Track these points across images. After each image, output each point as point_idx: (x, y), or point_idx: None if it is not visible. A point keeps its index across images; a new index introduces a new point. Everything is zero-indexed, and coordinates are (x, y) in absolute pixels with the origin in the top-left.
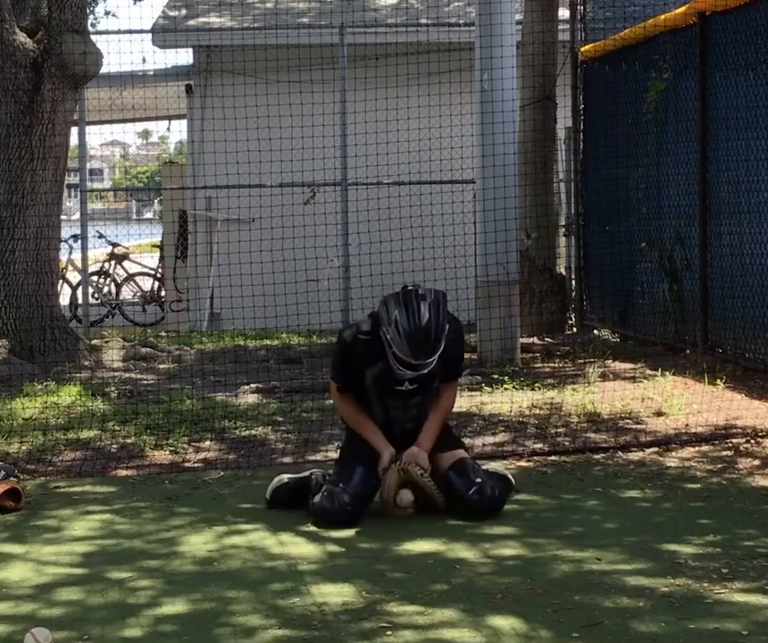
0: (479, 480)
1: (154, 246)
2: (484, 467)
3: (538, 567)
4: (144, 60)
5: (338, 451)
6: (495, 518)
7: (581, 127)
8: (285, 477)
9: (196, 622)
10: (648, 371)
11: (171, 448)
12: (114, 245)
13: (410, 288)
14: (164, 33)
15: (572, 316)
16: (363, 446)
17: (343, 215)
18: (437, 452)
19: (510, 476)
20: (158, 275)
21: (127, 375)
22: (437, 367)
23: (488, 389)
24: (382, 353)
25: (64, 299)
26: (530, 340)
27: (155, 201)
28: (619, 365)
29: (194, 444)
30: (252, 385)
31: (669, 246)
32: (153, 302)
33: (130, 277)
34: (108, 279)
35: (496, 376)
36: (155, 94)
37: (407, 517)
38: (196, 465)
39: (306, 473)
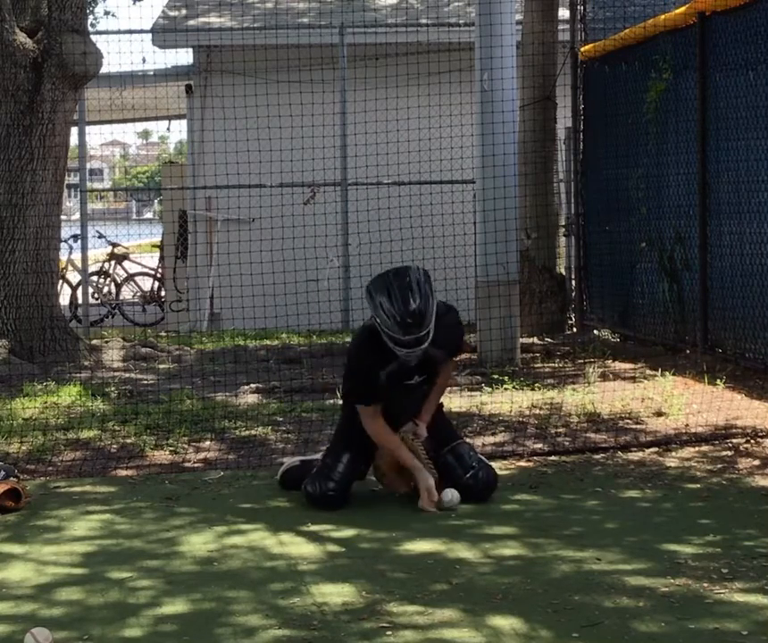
0: (474, 464)
1: (154, 246)
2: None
3: (538, 567)
4: (144, 60)
5: (332, 436)
6: (486, 502)
7: (581, 127)
8: (297, 460)
9: (196, 622)
10: (648, 371)
11: (171, 448)
12: (114, 245)
13: (388, 272)
14: (164, 33)
15: (572, 316)
16: (353, 433)
17: (343, 215)
18: (438, 448)
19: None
20: (158, 275)
21: (127, 375)
22: (440, 353)
23: (488, 389)
24: (391, 354)
25: (64, 299)
26: (530, 340)
27: (155, 201)
28: (619, 365)
29: (194, 444)
30: (252, 385)
31: (669, 246)
32: (153, 302)
33: (130, 277)
34: (108, 279)
35: (496, 376)
36: (155, 94)
37: (407, 517)
38: (196, 465)
39: (316, 456)
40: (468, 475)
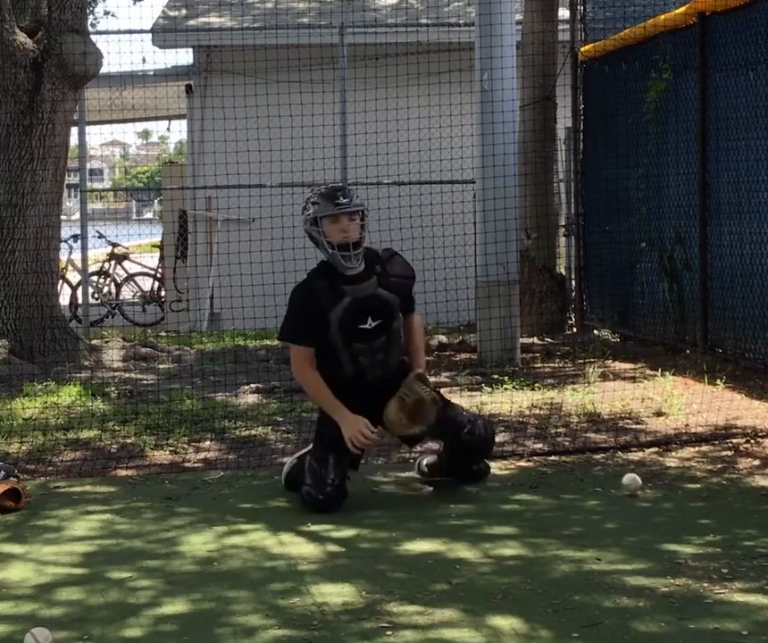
0: (470, 419)
1: (154, 246)
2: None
3: (538, 567)
4: (144, 60)
5: (316, 424)
6: (487, 456)
7: (581, 127)
8: (294, 458)
9: (196, 622)
10: (648, 371)
11: (171, 448)
12: (114, 245)
13: None
14: (164, 33)
15: (572, 316)
16: (331, 431)
17: None
18: None
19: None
20: (158, 275)
21: (127, 375)
22: (392, 297)
23: (488, 389)
24: (338, 287)
25: (64, 299)
26: (530, 340)
27: (155, 201)
28: (619, 365)
29: (194, 444)
30: (252, 385)
31: (669, 246)
32: (153, 302)
33: (130, 277)
34: (108, 279)
35: (496, 376)
36: (155, 94)
37: (407, 517)
38: (196, 465)
39: (304, 450)
40: (465, 431)
